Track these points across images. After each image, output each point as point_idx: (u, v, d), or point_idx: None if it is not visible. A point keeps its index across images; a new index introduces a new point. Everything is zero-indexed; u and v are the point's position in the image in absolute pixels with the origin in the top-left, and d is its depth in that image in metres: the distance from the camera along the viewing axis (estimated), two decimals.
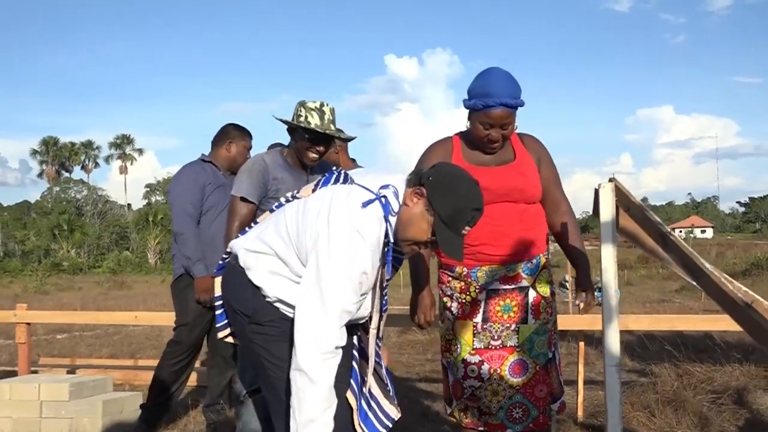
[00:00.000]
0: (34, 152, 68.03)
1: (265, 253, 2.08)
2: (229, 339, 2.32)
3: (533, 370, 2.55)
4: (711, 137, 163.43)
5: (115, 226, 55.88)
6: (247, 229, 2.30)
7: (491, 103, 2.36)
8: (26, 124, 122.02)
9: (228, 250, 2.26)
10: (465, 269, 2.57)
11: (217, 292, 2.27)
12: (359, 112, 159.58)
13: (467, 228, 1.99)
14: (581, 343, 4.19)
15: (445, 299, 2.65)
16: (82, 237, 49.86)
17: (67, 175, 68.56)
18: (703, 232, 77.49)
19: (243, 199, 2.83)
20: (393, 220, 2.00)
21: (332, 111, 2.82)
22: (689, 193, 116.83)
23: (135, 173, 74.45)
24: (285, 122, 2.85)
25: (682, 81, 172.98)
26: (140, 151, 72.00)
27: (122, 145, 69.90)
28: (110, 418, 4.10)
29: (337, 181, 2.13)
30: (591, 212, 2.54)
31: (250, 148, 3.90)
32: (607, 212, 2.28)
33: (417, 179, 2.02)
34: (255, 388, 2.84)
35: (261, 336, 2.08)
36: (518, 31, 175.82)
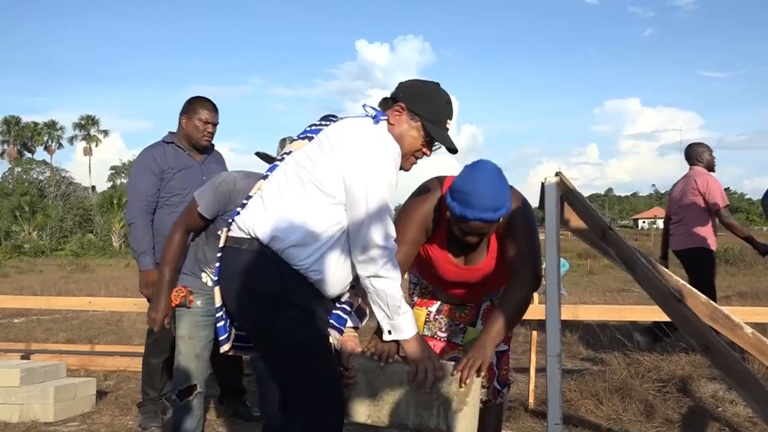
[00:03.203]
0: None
1: (292, 224, 2.03)
2: (233, 352, 2.24)
3: (451, 298, 2.60)
4: (676, 130, 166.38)
5: (78, 209, 54.86)
6: (239, 209, 2.16)
7: (470, 217, 2.22)
8: None
9: (237, 234, 2.10)
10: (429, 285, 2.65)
11: (217, 302, 2.16)
12: (329, 97, 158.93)
13: (449, 121, 2.21)
14: (534, 332, 4.27)
15: (410, 285, 2.70)
16: (44, 219, 48.87)
17: (29, 155, 67.08)
18: None
19: (199, 213, 2.77)
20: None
21: None
22: (653, 185, 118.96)
23: (100, 155, 73.18)
24: (272, 158, 2.76)
25: (649, 74, 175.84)
26: (105, 133, 70.71)
27: (87, 126, 68.53)
28: (62, 404, 4.07)
29: (325, 124, 2.19)
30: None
31: (208, 121, 3.55)
32: (551, 206, 2.33)
33: (390, 102, 2.20)
34: (186, 387, 2.84)
35: (283, 322, 2.03)
36: (489, 21, 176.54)
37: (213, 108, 3.61)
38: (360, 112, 2.22)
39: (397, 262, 2.10)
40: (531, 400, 4.11)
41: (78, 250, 42.63)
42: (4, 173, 62.79)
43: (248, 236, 2.08)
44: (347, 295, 2.22)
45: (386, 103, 2.21)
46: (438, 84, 2.26)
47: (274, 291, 2.03)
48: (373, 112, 2.18)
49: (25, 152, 67.74)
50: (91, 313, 10.39)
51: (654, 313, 3.91)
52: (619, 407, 3.86)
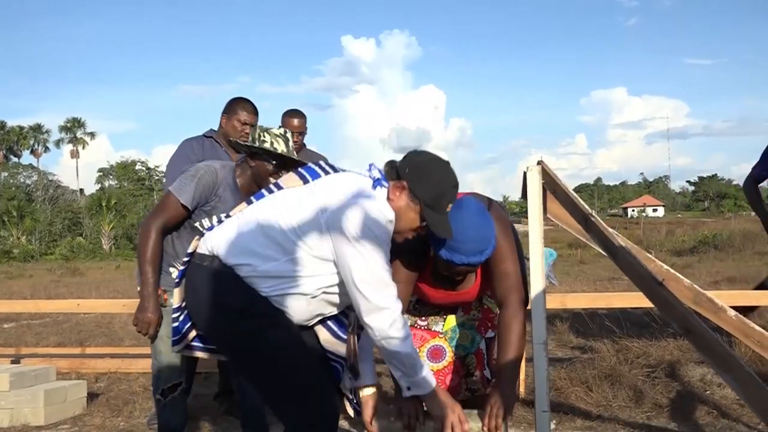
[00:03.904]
0: None
1: (263, 256, 2.01)
2: (186, 352, 2.24)
3: (450, 358, 2.60)
4: (662, 118, 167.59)
5: (67, 212, 54.60)
6: (215, 224, 2.16)
7: (457, 262, 2.22)
8: None
9: (203, 251, 2.10)
10: None
11: (176, 302, 2.17)
12: (316, 94, 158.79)
13: (450, 205, 2.11)
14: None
15: None
16: (32, 223, 48.61)
17: (15, 159, 66.61)
18: (654, 210, 79.55)
19: (182, 205, 2.74)
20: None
21: (291, 138, 2.82)
22: (641, 173, 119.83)
23: (87, 157, 72.90)
24: (251, 147, 2.75)
25: (635, 63, 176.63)
26: (92, 135, 70.32)
27: (73, 128, 68.11)
28: (53, 407, 4.05)
29: (325, 171, 2.14)
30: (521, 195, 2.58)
31: (246, 122, 3.48)
32: (534, 194, 2.34)
33: (394, 172, 2.11)
34: (171, 385, 2.84)
35: (255, 329, 2.02)
36: (476, 14, 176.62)
37: (253, 110, 3.59)
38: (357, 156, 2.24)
39: (404, 320, 2.05)
40: (522, 389, 4.13)
41: (68, 253, 42.46)
42: None
43: (212, 254, 2.07)
44: (342, 351, 2.20)
45: (391, 170, 2.13)
46: (447, 164, 2.15)
47: (240, 303, 2.02)
48: (378, 175, 2.11)
49: (12, 156, 67.25)
50: (81, 316, 10.36)
51: (640, 300, 3.93)
52: (609, 394, 3.88)
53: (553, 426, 3.57)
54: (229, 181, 2.82)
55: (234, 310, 2.03)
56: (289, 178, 2.16)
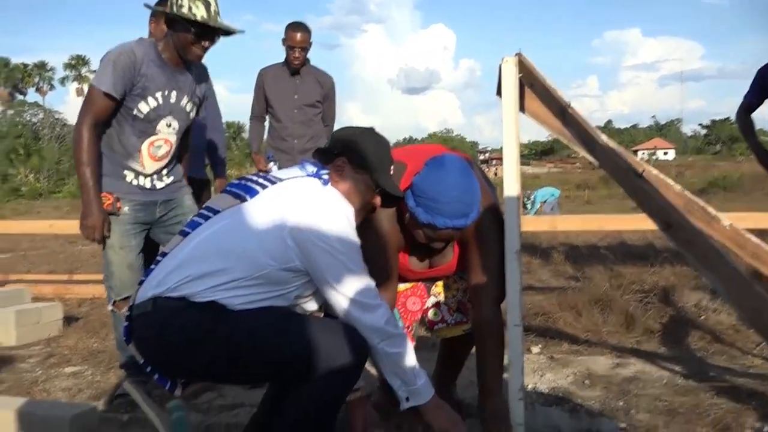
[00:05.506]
0: None
1: (224, 277, 1.81)
2: (188, 389, 2.07)
3: (414, 281, 2.39)
4: (676, 60, 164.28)
5: None
6: (153, 267, 1.94)
7: (440, 225, 2.00)
8: None
9: (140, 300, 1.87)
10: None
11: (140, 360, 1.92)
12: (324, 33, 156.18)
13: (391, 167, 2.05)
14: None
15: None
16: (40, 161, 48.61)
17: (20, 97, 66.17)
18: (665, 153, 78.65)
19: (105, 94, 2.53)
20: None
21: (217, 2, 2.56)
22: (653, 116, 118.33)
23: None
24: (165, 13, 2.54)
25: (650, 3, 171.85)
26: None
27: (78, 66, 67.36)
28: (25, 328, 3.97)
29: (262, 185, 1.94)
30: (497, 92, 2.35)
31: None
32: (510, 89, 2.12)
33: (327, 157, 2.03)
34: (123, 298, 2.67)
35: (224, 335, 1.79)
36: None
37: None
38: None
39: (393, 318, 1.91)
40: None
41: (76, 191, 42.33)
42: None
43: (153, 297, 1.84)
44: None
45: (323, 156, 2.04)
46: (373, 129, 2.11)
47: (202, 323, 1.80)
48: (314, 169, 1.99)
49: (17, 94, 66.83)
50: (80, 247, 10.33)
51: (633, 222, 3.75)
52: (599, 319, 3.73)
53: (537, 350, 3.43)
54: (152, 57, 2.62)
55: (197, 333, 1.80)
56: (222, 199, 1.96)
